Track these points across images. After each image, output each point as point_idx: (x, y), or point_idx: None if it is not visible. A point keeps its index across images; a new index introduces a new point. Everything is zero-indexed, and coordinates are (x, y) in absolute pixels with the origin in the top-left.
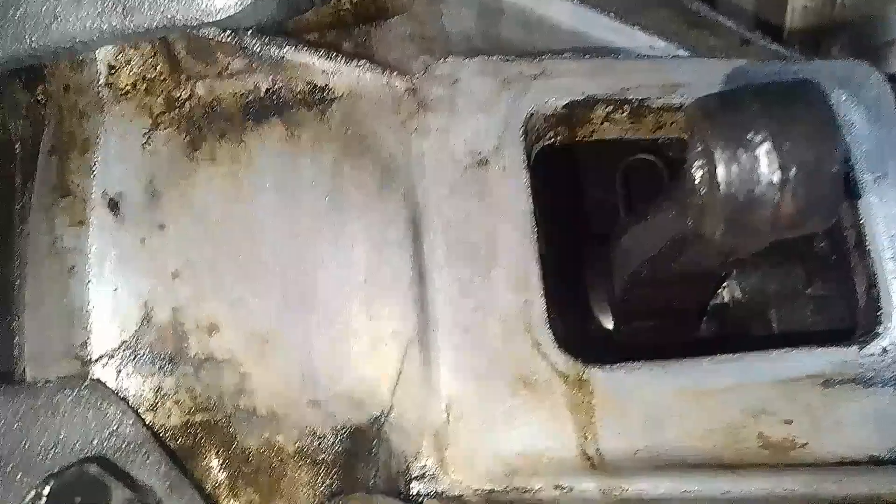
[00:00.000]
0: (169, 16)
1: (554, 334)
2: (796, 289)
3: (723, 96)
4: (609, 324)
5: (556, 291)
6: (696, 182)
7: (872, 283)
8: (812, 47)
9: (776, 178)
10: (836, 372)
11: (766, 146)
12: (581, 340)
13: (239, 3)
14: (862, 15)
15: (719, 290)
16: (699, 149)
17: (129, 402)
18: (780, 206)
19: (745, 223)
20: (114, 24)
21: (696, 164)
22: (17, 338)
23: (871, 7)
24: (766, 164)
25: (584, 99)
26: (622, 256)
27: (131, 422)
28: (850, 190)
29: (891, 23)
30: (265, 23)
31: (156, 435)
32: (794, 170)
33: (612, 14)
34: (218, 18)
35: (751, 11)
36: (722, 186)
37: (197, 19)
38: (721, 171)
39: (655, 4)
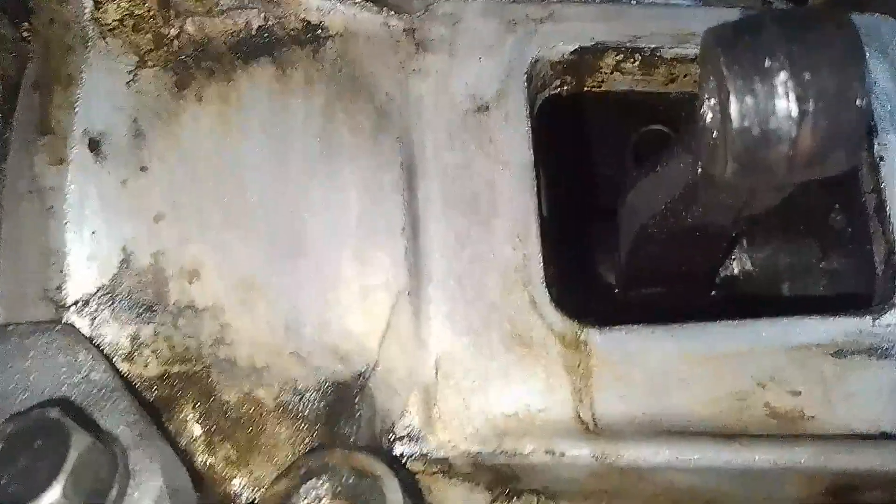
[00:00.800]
0: None
1: (551, 294)
2: (810, 262)
3: (739, 23)
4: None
5: (561, 260)
6: (709, 119)
7: (892, 250)
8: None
9: (794, 110)
10: (850, 342)
11: (783, 75)
12: (586, 304)
13: None
14: None
15: (729, 262)
16: (711, 80)
17: (105, 351)
18: (798, 142)
19: (760, 160)
20: None
21: (708, 98)
22: None
23: None
24: (783, 94)
25: (594, 45)
26: (630, 215)
27: (102, 368)
28: (872, 152)
29: None
30: None
31: (129, 384)
32: (813, 101)
33: None
34: None
35: None
36: (735, 119)
37: None
38: (734, 102)
39: None
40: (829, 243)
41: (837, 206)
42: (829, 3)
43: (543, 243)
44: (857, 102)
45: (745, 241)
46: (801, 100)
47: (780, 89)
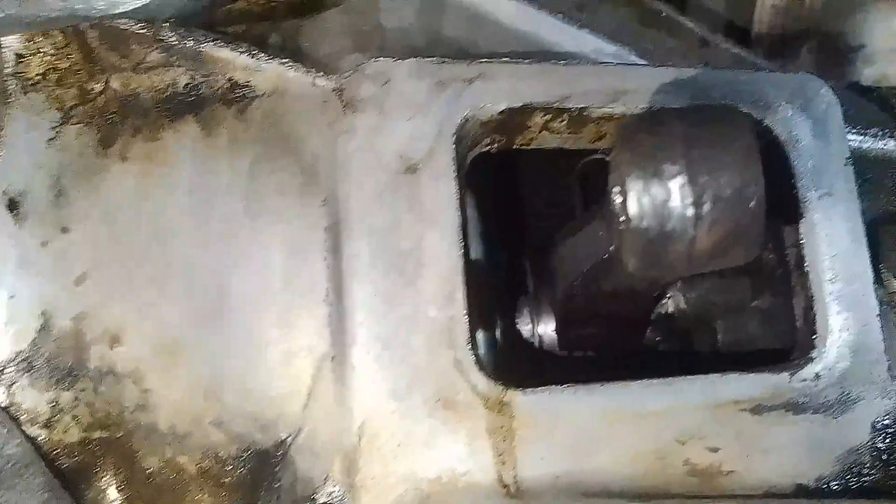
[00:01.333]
0: (69, 5)
1: (477, 355)
2: (742, 301)
3: (642, 119)
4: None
5: (500, 300)
6: (616, 206)
7: (810, 306)
8: (780, 50)
9: (691, 211)
10: (768, 397)
11: (680, 178)
12: (525, 347)
13: None
14: (830, 18)
15: (664, 301)
16: (615, 174)
17: (23, 418)
18: (696, 241)
19: (658, 258)
20: (10, 11)
21: (614, 189)
22: None
23: (840, 10)
24: (679, 197)
25: (522, 106)
26: (560, 268)
27: (17, 442)
28: (793, 208)
29: (859, 27)
30: (186, 13)
31: (48, 454)
32: (709, 203)
33: (560, 15)
34: (123, 10)
35: (721, 11)
36: (633, 219)
37: (101, 10)
38: (632, 203)
39: (613, 3)
40: (762, 282)
41: (770, 244)
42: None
43: (484, 293)
44: (753, 204)
45: (679, 281)
46: (697, 202)
47: (677, 192)
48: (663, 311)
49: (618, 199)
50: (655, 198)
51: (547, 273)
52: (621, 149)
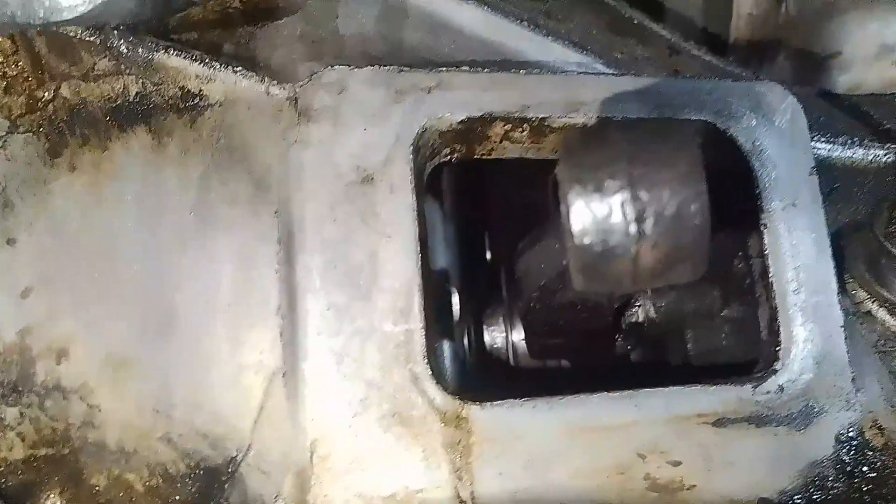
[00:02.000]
0: (8, 12)
1: (433, 368)
2: (711, 310)
3: (585, 133)
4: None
5: (476, 307)
6: (564, 223)
7: (774, 317)
8: (756, 57)
9: (632, 229)
10: (731, 410)
11: (621, 195)
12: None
13: (86, 1)
14: (806, 25)
15: (634, 309)
16: (560, 190)
17: None
18: (639, 258)
19: (602, 274)
20: None
21: (561, 205)
22: None
23: (815, 18)
24: (620, 214)
25: (482, 115)
26: (521, 279)
27: None
28: (757, 219)
29: (834, 35)
30: (136, 21)
31: None
32: (652, 220)
33: (525, 23)
34: (65, 18)
35: (698, 20)
36: (576, 235)
37: (42, 18)
38: (574, 219)
39: (581, 9)
40: (731, 291)
41: (740, 253)
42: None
43: (440, 310)
44: (697, 221)
45: (649, 290)
46: (639, 219)
47: (619, 208)
48: (633, 320)
49: (563, 218)
50: (597, 214)
51: (515, 282)
52: (564, 164)
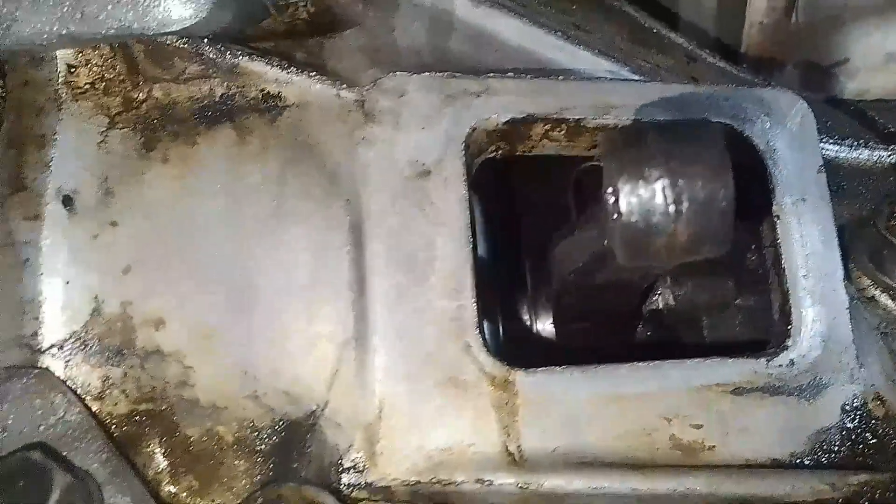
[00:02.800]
0: (126, 24)
1: (484, 339)
2: (726, 299)
3: (629, 133)
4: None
5: (502, 295)
6: (609, 206)
7: (785, 300)
8: (767, 64)
9: (671, 210)
10: (746, 381)
11: (661, 182)
12: (523, 341)
13: (194, 15)
14: (815, 34)
15: (654, 297)
16: (607, 179)
17: (77, 391)
18: (675, 235)
19: (644, 248)
20: (71, 29)
21: (607, 192)
22: None
23: (824, 26)
24: (661, 198)
25: (524, 117)
26: (556, 265)
27: (77, 410)
28: (770, 212)
29: (842, 43)
30: (223, 31)
31: (101, 423)
32: (686, 204)
33: (558, 33)
34: (173, 29)
35: (710, 29)
36: (624, 214)
37: (153, 29)
38: (622, 202)
39: (605, 20)
40: (745, 281)
41: (753, 247)
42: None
43: (486, 289)
44: (723, 206)
45: (668, 279)
46: (676, 202)
47: (659, 193)
48: (653, 308)
49: (610, 200)
50: (642, 197)
51: (544, 272)
52: (612, 159)
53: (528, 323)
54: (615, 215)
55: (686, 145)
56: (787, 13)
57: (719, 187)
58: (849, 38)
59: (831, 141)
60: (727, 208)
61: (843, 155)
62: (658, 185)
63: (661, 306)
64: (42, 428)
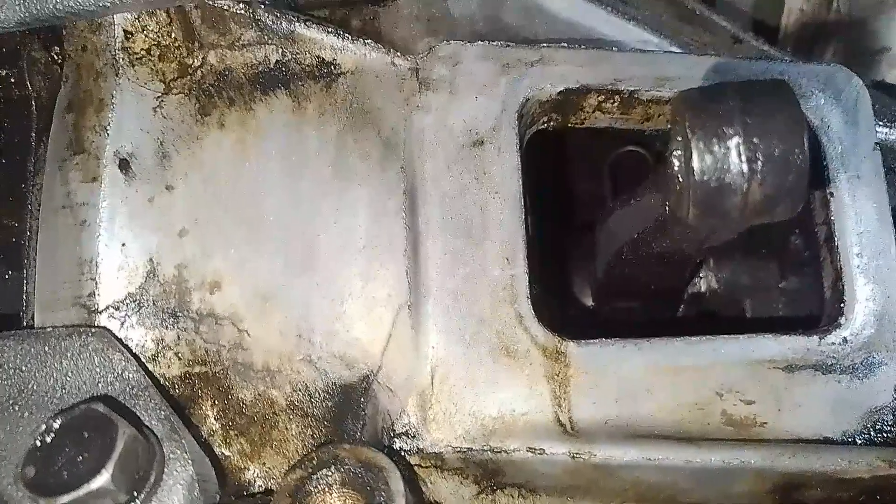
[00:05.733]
0: None
1: (535, 310)
2: (769, 282)
3: (704, 91)
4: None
5: (542, 274)
6: (676, 167)
7: (838, 277)
8: (806, 51)
9: (745, 168)
10: (799, 358)
11: (737, 139)
12: (563, 320)
13: None
14: (856, 21)
15: (696, 280)
16: (679, 138)
17: (132, 352)
18: (749, 194)
19: (717, 208)
20: None
21: (676, 151)
22: (27, 285)
23: (865, 14)
24: (736, 155)
25: (578, 87)
26: (606, 238)
27: (134, 368)
28: (824, 189)
29: (883, 31)
30: None
31: (157, 382)
32: (761, 162)
33: (608, 7)
34: None
35: (748, 12)
36: (696, 173)
37: None
38: (697, 159)
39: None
40: (788, 265)
41: (797, 230)
42: (797, 40)
43: (529, 263)
44: (799, 164)
45: (711, 262)
46: (751, 160)
47: (734, 151)
48: (695, 291)
49: (680, 161)
50: (717, 155)
51: (585, 250)
52: (686, 116)
53: (567, 303)
54: (687, 175)
55: (761, 103)
56: (827, 1)
57: (795, 145)
58: (890, 25)
59: (881, 124)
60: (803, 167)
61: (893, 137)
62: (733, 143)
63: (703, 289)
64: (101, 385)
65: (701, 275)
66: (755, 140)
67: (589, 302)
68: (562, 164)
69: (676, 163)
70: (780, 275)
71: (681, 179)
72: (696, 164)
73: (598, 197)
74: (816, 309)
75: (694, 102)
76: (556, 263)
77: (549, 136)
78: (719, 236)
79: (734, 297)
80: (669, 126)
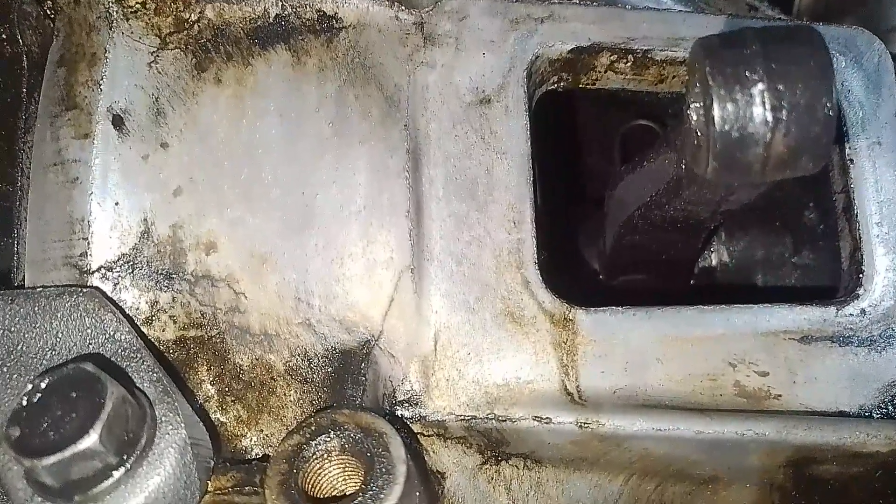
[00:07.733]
0: None
1: (543, 276)
2: (783, 256)
3: (724, 36)
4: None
5: (549, 245)
6: (694, 121)
7: (857, 247)
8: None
9: (769, 117)
10: (815, 329)
11: (760, 86)
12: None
13: None
14: None
15: (708, 253)
16: (698, 87)
17: (125, 314)
18: (772, 145)
19: (738, 160)
20: None
21: (694, 102)
22: (17, 244)
23: None
24: (759, 103)
25: (590, 45)
26: (618, 205)
27: (127, 329)
28: (842, 155)
29: None
30: None
31: (151, 346)
32: (786, 111)
33: None
34: None
35: None
36: (717, 122)
37: None
38: (717, 108)
39: None
40: (802, 239)
41: (811, 204)
42: (811, 12)
43: (537, 230)
44: (825, 114)
45: (723, 234)
46: (775, 109)
47: (758, 99)
48: (706, 265)
49: (699, 113)
50: (738, 103)
51: (594, 224)
52: (705, 62)
53: (576, 272)
54: (706, 126)
55: (786, 48)
56: None
57: (823, 93)
58: None
59: None
60: (830, 116)
61: None
62: (756, 90)
63: (714, 263)
64: (92, 346)
65: (712, 248)
66: (780, 87)
67: (598, 277)
68: (572, 139)
69: (694, 115)
70: (794, 249)
71: (699, 133)
72: (716, 112)
73: (608, 173)
74: (830, 283)
75: (714, 48)
76: (565, 239)
77: (561, 112)
78: (738, 197)
79: (746, 272)
80: (685, 83)
